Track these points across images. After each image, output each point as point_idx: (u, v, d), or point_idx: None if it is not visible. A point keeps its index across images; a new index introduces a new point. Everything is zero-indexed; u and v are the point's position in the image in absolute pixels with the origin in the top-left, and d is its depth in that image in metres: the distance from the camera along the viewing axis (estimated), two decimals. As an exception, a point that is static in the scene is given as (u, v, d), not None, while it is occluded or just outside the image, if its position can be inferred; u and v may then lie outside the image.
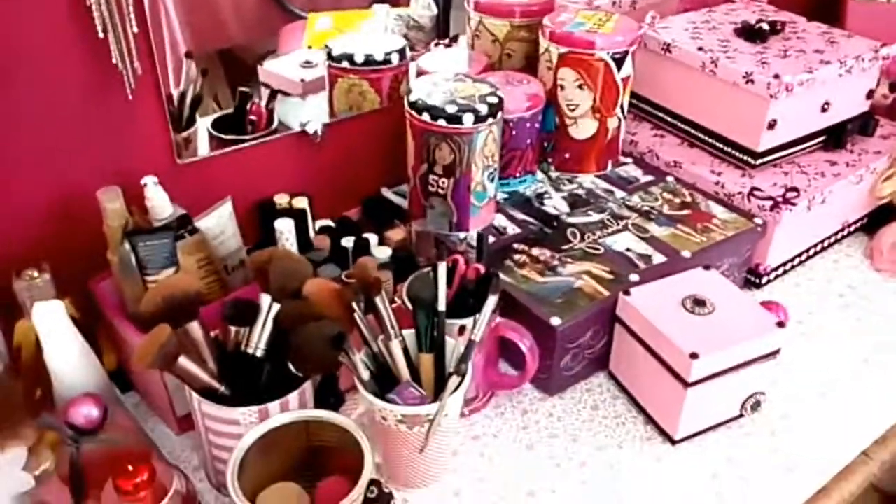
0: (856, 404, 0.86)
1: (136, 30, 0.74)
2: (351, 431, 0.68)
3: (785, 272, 1.04)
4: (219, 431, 0.71)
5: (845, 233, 1.10)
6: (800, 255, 1.04)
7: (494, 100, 0.86)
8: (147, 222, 0.81)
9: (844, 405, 0.86)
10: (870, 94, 1.09)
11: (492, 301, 0.74)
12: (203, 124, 0.94)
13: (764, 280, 1.01)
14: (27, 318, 0.77)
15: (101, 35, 0.73)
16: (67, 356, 0.75)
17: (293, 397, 0.71)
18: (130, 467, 0.67)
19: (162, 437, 0.82)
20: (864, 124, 1.09)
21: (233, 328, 0.74)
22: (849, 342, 0.94)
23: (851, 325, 0.96)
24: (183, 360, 0.69)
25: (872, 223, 1.10)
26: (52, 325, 0.74)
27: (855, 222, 1.10)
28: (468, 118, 0.84)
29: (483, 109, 0.84)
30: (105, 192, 0.78)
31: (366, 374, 0.71)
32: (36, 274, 0.77)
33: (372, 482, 0.63)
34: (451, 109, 0.84)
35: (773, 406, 0.84)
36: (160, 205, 0.81)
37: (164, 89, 0.85)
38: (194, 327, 0.72)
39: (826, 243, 1.08)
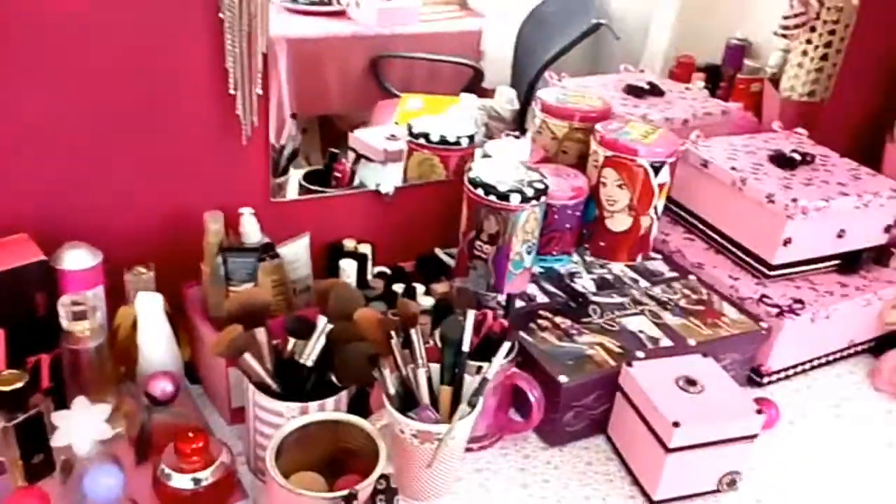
0: (828, 502, 0.94)
1: (260, 91, 0.93)
2: (373, 436, 0.81)
3: (787, 377, 1.13)
4: (265, 420, 0.85)
5: (852, 351, 1.19)
6: (803, 363, 1.14)
7: (540, 186, 1.01)
8: (239, 244, 0.97)
9: (819, 501, 0.94)
10: (888, 229, 1.19)
11: (506, 346, 0.87)
12: (294, 174, 1.12)
13: (765, 380, 1.10)
14: (129, 305, 0.94)
15: (231, 91, 0.93)
16: (157, 340, 0.91)
17: (331, 401, 0.85)
18: (191, 434, 0.81)
19: (215, 425, 0.96)
20: (879, 255, 1.19)
21: (291, 339, 0.89)
22: (834, 448, 1.02)
23: (840, 434, 1.04)
24: (248, 356, 0.84)
25: (880, 347, 1.18)
26: (150, 312, 0.90)
27: (862, 343, 1.19)
28: (515, 198, 0.99)
29: (529, 192, 0.99)
30: (211, 215, 0.96)
31: (393, 390, 0.84)
32: (144, 270, 0.95)
33: (382, 476, 0.76)
34: (502, 188, 0.99)
35: (749, 488, 0.93)
36: (251, 231, 0.98)
37: (271, 141, 1.03)
38: (261, 333, 0.87)
39: (832, 357, 1.17)
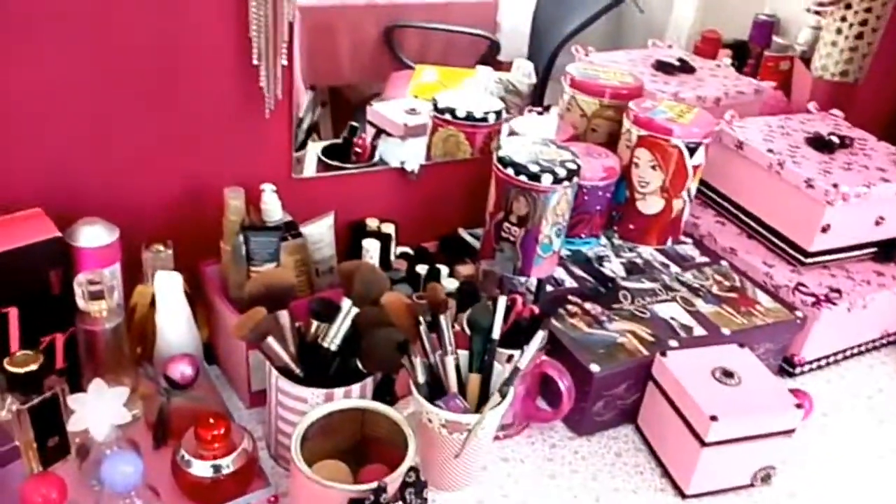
0: (863, 497, 0.91)
1: (285, 62, 0.89)
2: (400, 424, 0.79)
3: (819, 367, 1.10)
4: (288, 406, 0.82)
5: (885, 342, 1.16)
6: (836, 354, 1.11)
7: (573, 166, 0.97)
8: (260, 222, 0.94)
9: (852, 495, 0.91)
10: (927, 217, 1.16)
11: (540, 335, 0.83)
12: (312, 149, 1.08)
13: (798, 371, 1.07)
14: (146, 284, 0.91)
15: (255, 62, 0.88)
16: (175, 320, 0.88)
17: (356, 387, 0.82)
18: (212, 420, 0.79)
19: (233, 408, 0.93)
20: (917, 243, 1.15)
21: (315, 322, 0.86)
22: (867, 440, 0.99)
23: (873, 425, 1.01)
24: (271, 339, 0.81)
25: (914, 338, 1.15)
26: (168, 291, 0.87)
27: (895, 333, 1.16)
28: (546, 178, 0.95)
29: (561, 172, 0.95)
30: (231, 190, 0.92)
31: (422, 378, 0.81)
32: (161, 248, 0.91)
33: (411, 468, 0.73)
34: (534, 168, 0.95)
35: (783, 482, 0.90)
36: (273, 209, 0.94)
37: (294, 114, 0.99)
38: (284, 315, 0.84)
39: (864, 348, 1.13)
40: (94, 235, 0.86)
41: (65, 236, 0.85)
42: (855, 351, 1.13)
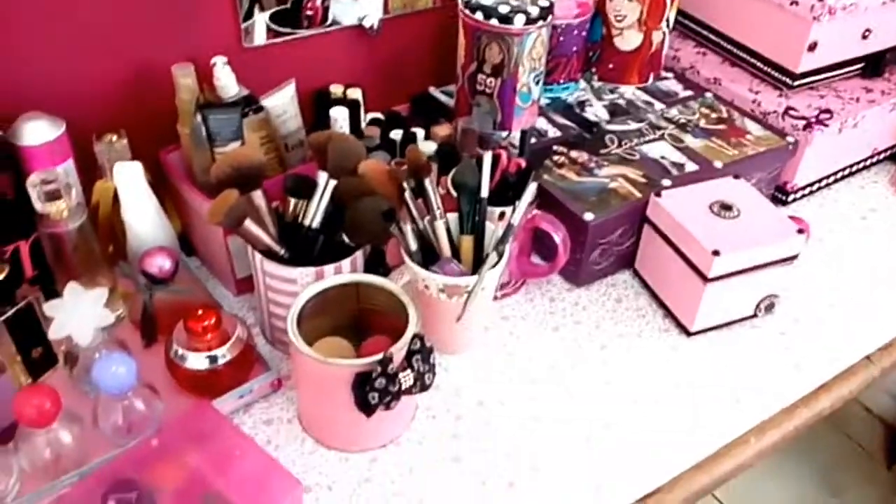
0: (864, 315, 0.91)
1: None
2: (397, 295, 0.75)
3: (811, 192, 1.08)
4: (278, 290, 0.79)
5: (874, 160, 1.14)
6: (827, 177, 1.08)
7: (545, 3, 0.90)
8: (216, 99, 0.87)
9: (854, 315, 0.91)
10: (914, 25, 1.11)
11: (532, 187, 0.79)
12: (259, 18, 0.99)
13: (790, 198, 1.05)
14: (105, 180, 0.84)
15: (185, -86, 0.78)
16: (143, 213, 0.83)
17: (346, 262, 0.78)
18: (201, 311, 0.75)
19: (221, 298, 0.89)
20: (903, 54, 1.11)
21: (292, 200, 0.81)
22: (864, 260, 0.99)
23: (870, 245, 1.01)
24: (249, 222, 0.76)
25: (902, 152, 1.13)
26: (130, 183, 0.81)
27: (884, 150, 1.14)
28: (519, 19, 0.88)
29: (534, 12, 0.88)
30: (179, 68, 0.84)
31: (413, 245, 0.78)
32: (115, 138, 0.84)
33: (416, 335, 0.70)
34: (504, 10, 0.88)
35: (785, 310, 0.90)
36: (228, 84, 0.86)
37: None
38: (258, 195, 0.79)
39: (855, 168, 1.11)
40: (39, 131, 0.79)
41: (7, 135, 0.78)
42: (846, 172, 1.11)
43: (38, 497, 0.66)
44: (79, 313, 0.72)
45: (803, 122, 1.01)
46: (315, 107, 1.01)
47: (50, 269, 0.81)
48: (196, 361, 0.75)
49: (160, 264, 0.79)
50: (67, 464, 0.68)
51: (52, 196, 0.76)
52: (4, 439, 0.69)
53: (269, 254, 0.78)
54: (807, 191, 1.07)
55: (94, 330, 0.73)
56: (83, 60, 0.85)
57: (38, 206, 0.77)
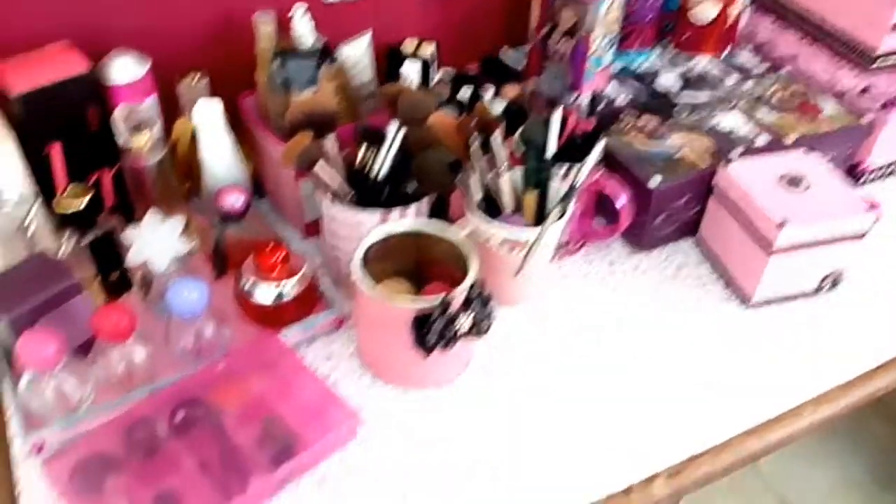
0: (931, 300, 0.89)
1: None
2: (458, 244, 0.77)
3: (884, 175, 1.05)
4: (344, 234, 0.81)
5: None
6: (902, 160, 1.06)
7: (625, -33, 0.89)
8: (293, 49, 0.89)
9: (920, 299, 0.89)
10: None
11: (599, 147, 0.80)
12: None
13: (862, 179, 1.03)
14: (186, 117, 0.88)
15: None
16: (220, 150, 0.86)
17: (412, 208, 0.80)
18: (271, 247, 0.78)
19: (288, 240, 0.92)
20: None
21: (362, 148, 0.83)
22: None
23: (943, 231, 0.98)
24: (321, 164, 0.78)
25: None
26: (209, 121, 0.84)
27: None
28: (597, -18, 0.88)
29: (612, -25, 0.88)
30: (260, 15, 0.87)
31: (477, 197, 0.79)
32: (197, 78, 0.87)
33: (475, 282, 0.72)
34: (582, -28, 0.88)
35: (850, 287, 0.89)
36: (305, 33, 0.89)
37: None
38: (330, 141, 0.81)
39: (932, 154, 1.08)
40: (126, 68, 0.83)
41: (96, 71, 0.81)
42: (922, 157, 1.08)
43: (111, 406, 0.70)
44: (156, 240, 0.76)
45: (880, 103, 0.98)
46: (388, 64, 1.02)
47: (129, 201, 0.85)
48: (264, 295, 0.78)
49: (233, 201, 0.82)
50: (139, 379, 0.72)
51: (136, 129, 0.80)
52: (83, 352, 0.73)
53: (337, 196, 0.80)
54: (880, 173, 1.04)
55: (169, 257, 0.77)
56: (169, 4, 0.88)
57: (122, 139, 0.80)
